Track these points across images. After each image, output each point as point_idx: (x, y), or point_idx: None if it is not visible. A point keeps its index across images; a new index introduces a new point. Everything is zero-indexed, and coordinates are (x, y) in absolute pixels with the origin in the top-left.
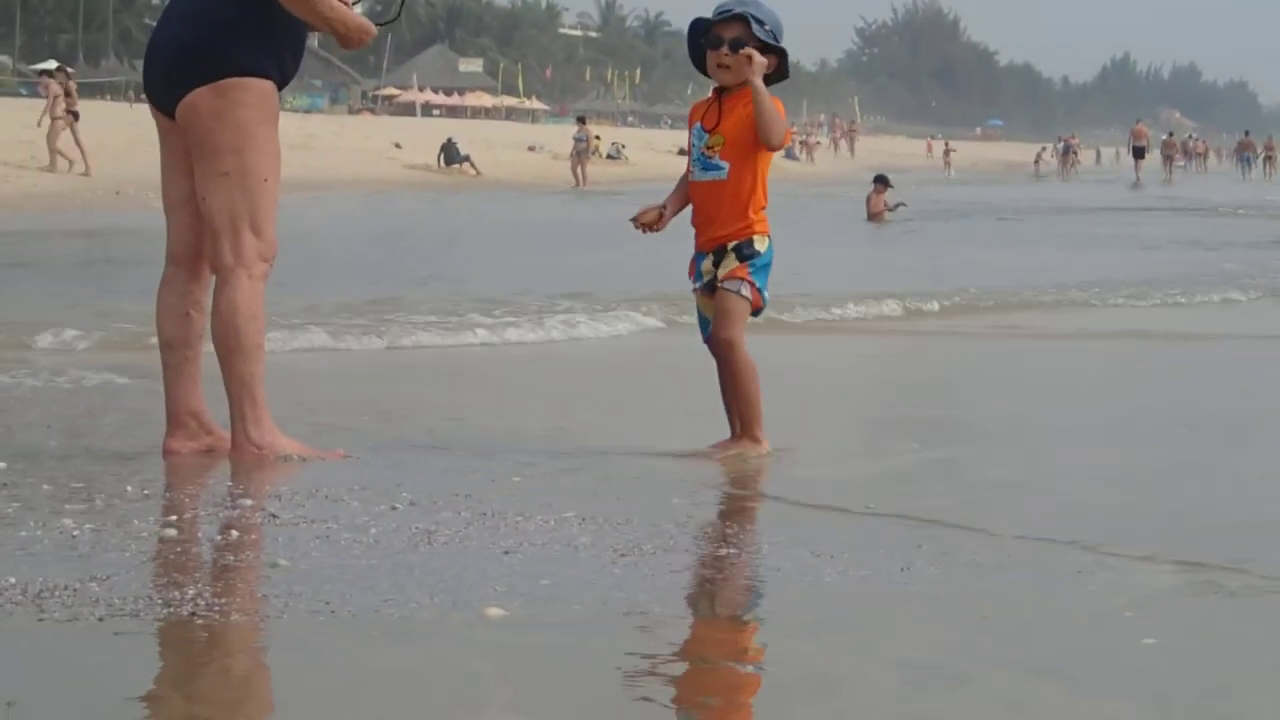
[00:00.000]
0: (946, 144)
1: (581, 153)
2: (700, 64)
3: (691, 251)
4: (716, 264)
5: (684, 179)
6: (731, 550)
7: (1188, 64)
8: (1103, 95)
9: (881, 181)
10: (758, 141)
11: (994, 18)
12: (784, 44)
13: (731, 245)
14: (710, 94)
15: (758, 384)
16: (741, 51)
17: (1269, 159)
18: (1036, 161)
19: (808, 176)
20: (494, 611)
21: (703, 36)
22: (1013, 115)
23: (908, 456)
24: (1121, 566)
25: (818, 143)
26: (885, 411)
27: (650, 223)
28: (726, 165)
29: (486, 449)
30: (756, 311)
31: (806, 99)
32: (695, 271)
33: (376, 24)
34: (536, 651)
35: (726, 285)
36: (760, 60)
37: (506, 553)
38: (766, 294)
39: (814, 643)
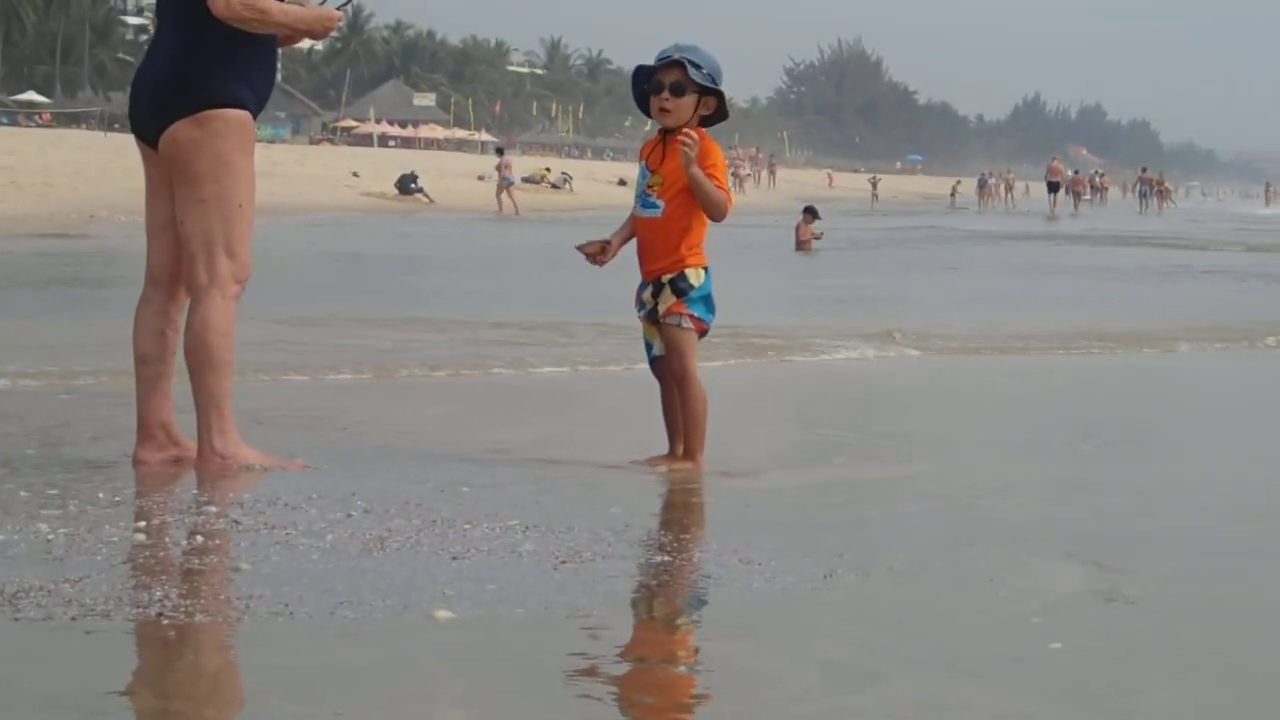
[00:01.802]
0: (874, 177)
1: (502, 182)
2: (645, 108)
3: (638, 280)
4: (655, 295)
5: (630, 215)
6: (667, 558)
7: (1094, 104)
8: (1015, 132)
9: (810, 212)
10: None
11: (913, 59)
12: (722, 85)
13: (667, 279)
14: (657, 133)
15: (706, 413)
16: (676, 140)
17: (1159, 193)
18: (953, 194)
19: (739, 206)
20: (443, 614)
21: (645, 82)
22: (931, 150)
23: (833, 470)
24: (1030, 574)
25: (748, 174)
26: (815, 430)
27: (594, 254)
28: (662, 204)
29: (436, 460)
30: (702, 333)
31: (738, 133)
32: (639, 304)
33: (336, 8)
34: (483, 652)
35: (668, 320)
36: (693, 143)
37: (455, 558)
38: (710, 318)
39: (743, 643)
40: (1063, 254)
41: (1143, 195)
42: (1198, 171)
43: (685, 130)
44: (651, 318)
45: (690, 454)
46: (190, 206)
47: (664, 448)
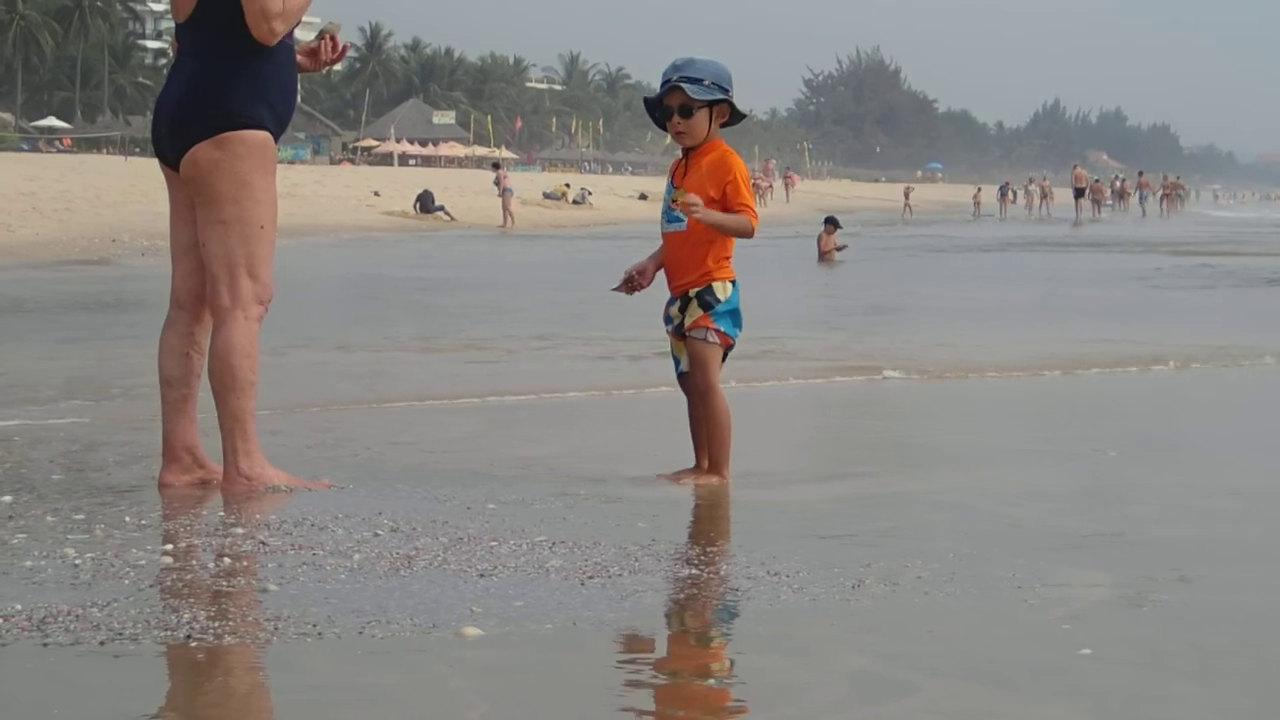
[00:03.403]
0: (907, 187)
1: (504, 193)
2: (664, 124)
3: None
4: (682, 310)
5: None
6: (694, 571)
7: (1114, 109)
8: (1035, 139)
9: (831, 223)
10: (715, 198)
11: (933, 68)
12: (730, 87)
13: (694, 293)
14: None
15: (730, 426)
16: (681, 205)
17: (1166, 196)
18: (976, 204)
19: (760, 218)
20: (470, 631)
21: (656, 111)
22: (951, 159)
23: (858, 482)
24: (1058, 581)
25: (769, 186)
26: (840, 443)
27: (630, 287)
28: (686, 217)
29: (462, 478)
30: (728, 349)
31: (758, 145)
32: (666, 319)
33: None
34: (510, 669)
35: (693, 334)
36: (695, 205)
37: (482, 576)
38: (737, 332)
39: (772, 656)
40: (1090, 262)
41: (1142, 199)
42: (1219, 174)
43: (685, 200)
44: (679, 332)
45: (716, 468)
46: (211, 228)
47: (690, 462)
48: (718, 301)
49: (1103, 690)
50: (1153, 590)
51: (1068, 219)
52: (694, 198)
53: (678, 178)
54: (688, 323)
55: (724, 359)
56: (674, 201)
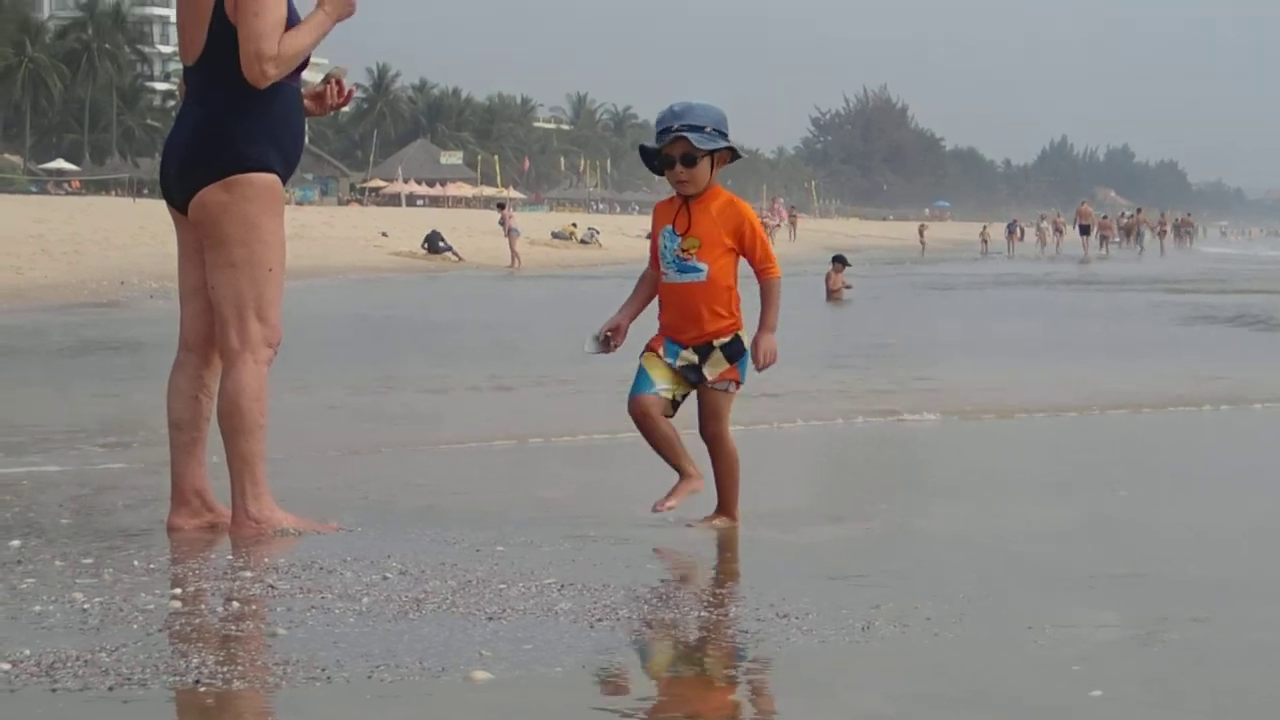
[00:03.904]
0: (922, 225)
1: (510, 233)
2: (660, 172)
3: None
4: (701, 358)
5: (643, 281)
6: (703, 613)
7: (1121, 146)
8: (1043, 176)
9: (839, 261)
10: (731, 245)
11: (939, 105)
12: (728, 130)
13: (719, 344)
14: (675, 195)
15: (738, 470)
16: (765, 367)
17: (1174, 232)
18: (984, 240)
19: None
20: (480, 675)
21: (655, 160)
22: (959, 196)
23: (867, 523)
24: (1069, 621)
25: (776, 225)
26: (848, 485)
27: (613, 346)
28: (705, 266)
29: (471, 520)
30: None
31: (766, 184)
32: (669, 351)
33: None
34: (520, 712)
35: (717, 386)
36: (774, 356)
37: (491, 619)
38: (745, 371)
39: (783, 698)
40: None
41: (1136, 235)
42: (1226, 211)
43: (764, 361)
44: (689, 374)
45: (728, 511)
46: (220, 271)
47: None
48: (743, 350)
49: None
50: (1164, 630)
51: (1077, 255)
52: (771, 354)
53: (680, 224)
54: (713, 375)
55: None
56: (757, 361)
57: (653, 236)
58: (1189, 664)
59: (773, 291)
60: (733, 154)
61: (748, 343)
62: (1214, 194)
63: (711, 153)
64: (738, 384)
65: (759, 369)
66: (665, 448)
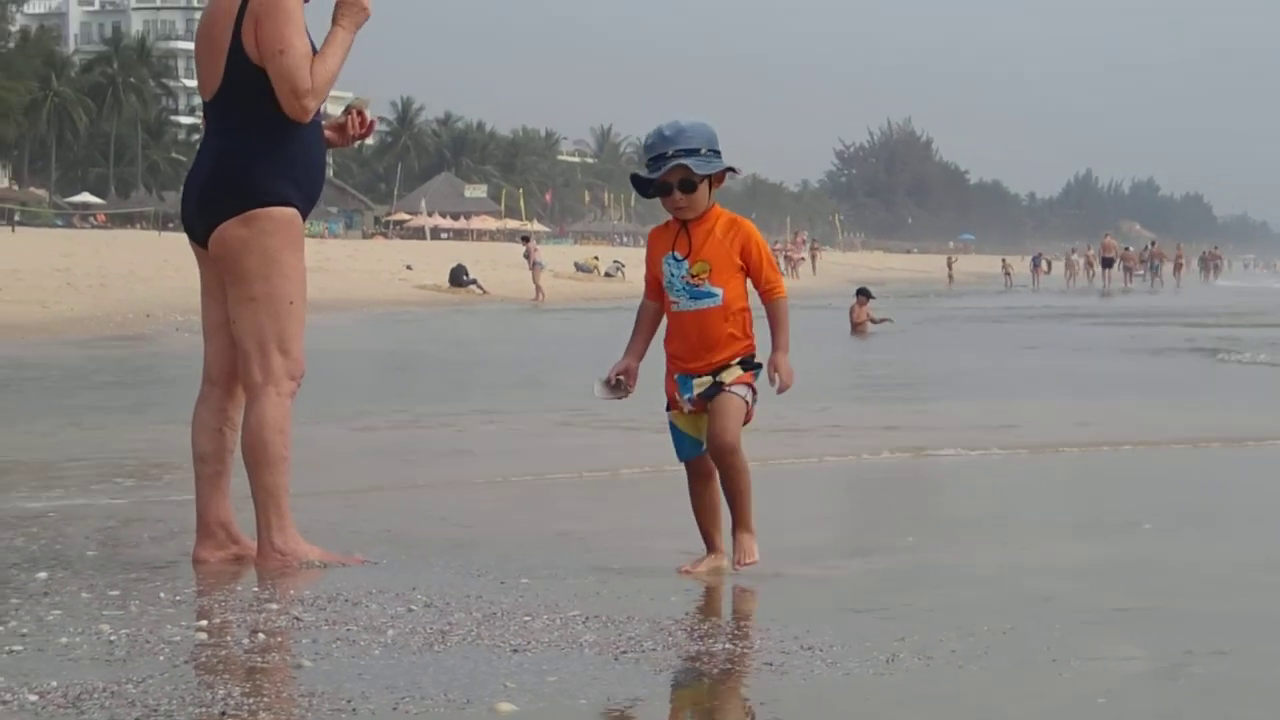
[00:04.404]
0: (950, 258)
1: (534, 266)
2: (650, 197)
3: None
4: (716, 373)
5: (643, 314)
6: (729, 646)
7: (1146, 179)
8: (1067, 209)
9: (863, 294)
10: (740, 265)
11: (964, 138)
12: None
13: (736, 361)
14: (671, 220)
15: (750, 487)
16: (784, 388)
17: (1178, 266)
18: (1006, 273)
19: (793, 290)
20: (505, 707)
21: (650, 189)
22: (983, 229)
23: (892, 557)
24: (1093, 655)
25: (801, 258)
26: (873, 519)
27: (622, 392)
28: (720, 291)
29: (496, 553)
30: (745, 422)
31: (790, 216)
32: (684, 390)
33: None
34: None
35: (734, 390)
36: (790, 376)
37: (515, 651)
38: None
39: None
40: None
41: (1150, 266)
42: (1251, 244)
43: (782, 381)
44: (708, 394)
45: (744, 525)
46: (241, 305)
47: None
48: (759, 366)
49: None
50: (1189, 664)
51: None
52: (789, 375)
53: (682, 248)
54: (728, 378)
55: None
56: (775, 381)
57: (651, 266)
58: (1213, 698)
59: (781, 312)
60: (728, 170)
61: (762, 361)
62: (1240, 227)
63: (709, 175)
64: (754, 393)
65: (779, 391)
66: (708, 516)
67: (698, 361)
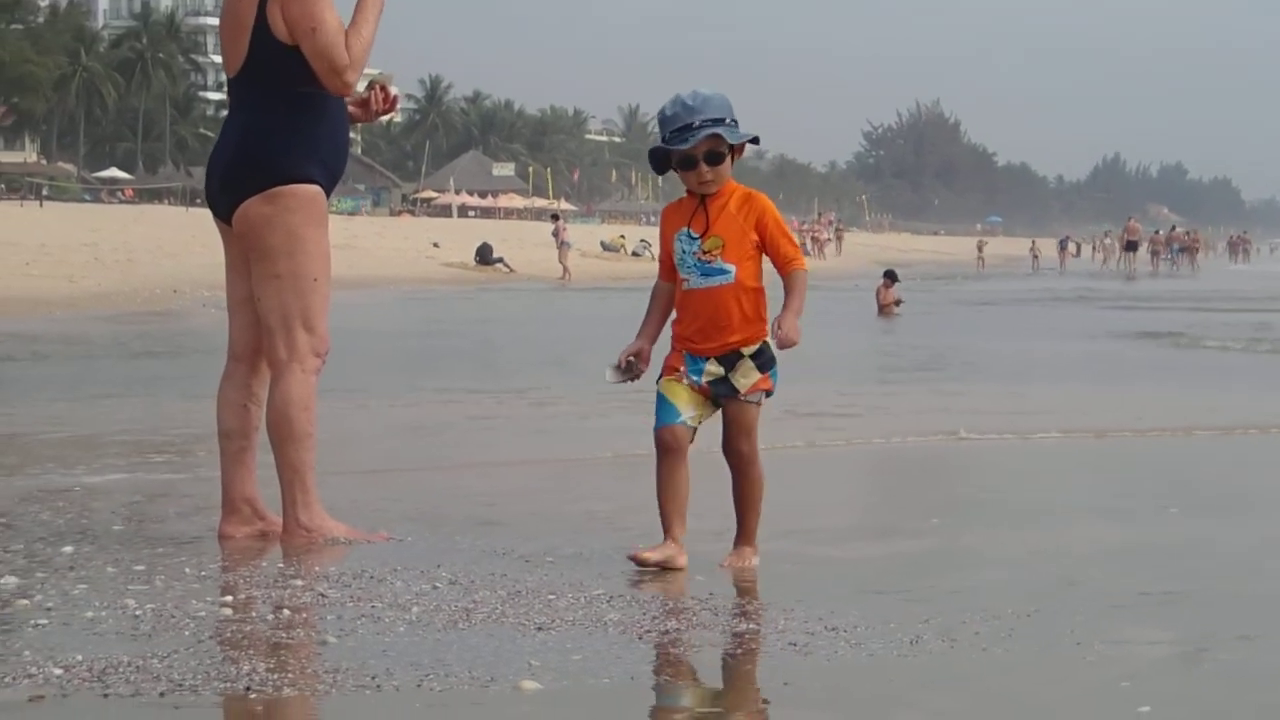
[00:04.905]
0: (980, 241)
1: (561, 246)
2: (665, 171)
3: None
4: (728, 369)
5: (656, 295)
6: (752, 625)
7: (1175, 163)
8: (1095, 192)
9: (890, 276)
10: (756, 242)
11: (992, 120)
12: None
13: (748, 352)
14: (686, 196)
15: (762, 494)
16: (785, 344)
17: (1189, 250)
18: (1034, 256)
19: (819, 271)
20: (529, 685)
21: (671, 162)
22: (1010, 212)
23: (916, 540)
24: (1117, 638)
25: (827, 239)
26: (898, 502)
27: (637, 373)
28: (733, 268)
29: (521, 532)
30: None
31: (817, 198)
32: (692, 368)
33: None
34: None
35: (749, 399)
36: (795, 333)
37: (540, 629)
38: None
39: (829, 712)
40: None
41: (1154, 254)
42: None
43: (786, 338)
44: (718, 388)
45: (748, 538)
46: (265, 282)
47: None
48: (773, 360)
49: None
50: (1213, 648)
51: (1137, 271)
52: (795, 333)
53: (696, 225)
54: (743, 386)
55: None
56: (779, 339)
57: (664, 243)
58: (1237, 682)
59: (799, 281)
60: (751, 141)
61: (774, 350)
62: (1268, 211)
63: (733, 146)
64: (769, 395)
65: (779, 346)
66: (672, 500)
67: (709, 343)
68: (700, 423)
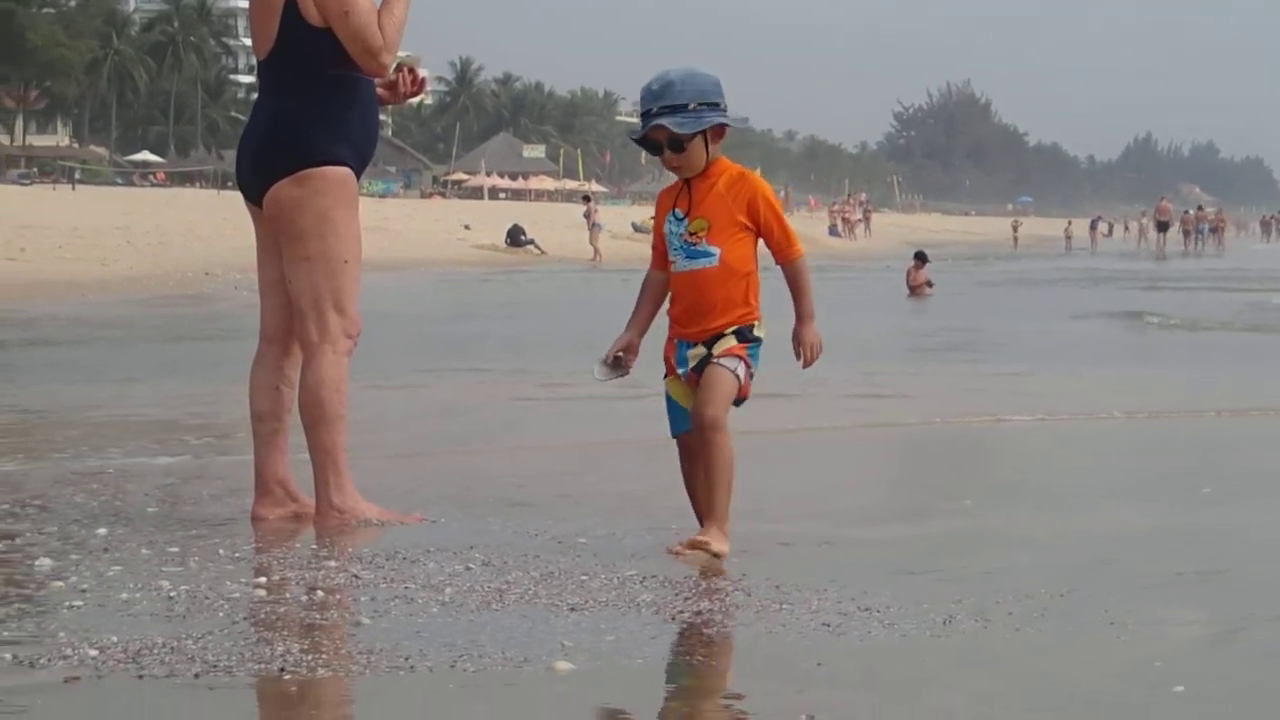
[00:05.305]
0: (1015, 221)
1: (593, 228)
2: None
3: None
4: (709, 348)
5: (648, 285)
6: (785, 606)
7: (1206, 142)
8: (1126, 172)
9: (920, 258)
10: (746, 224)
11: (1023, 101)
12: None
13: (730, 330)
14: (676, 180)
15: (732, 473)
16: (807, 356)
17: (1216, 229)
18: (1067, 236)
19: (848, 252)
20: (562, 666)
21: (647, 146)
22: (1041, 192)
23: (949, 520)
24: (1151, 618)
25: (858, 220)
26: (931, 484)
27: (627, 367)
28: (717, 251)
29: (553, 513)
30: (739, 401)
31: (848, 178)
32: (678, 358)
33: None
34: (602, 704)
35: (722, 362)
36: (819, 342)
37: (573, 610)
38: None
39: (863, 693)
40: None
41: (1186, 234)
42: None
43: (812, 355)
44: (699, 370)
45: (714, 518)
46: (296, 265)
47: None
48: (757, 339)
49: None
50: (1248, 628)
51: (1170, 251)
52: (817, 345)
53: (683, 205)
54: (718, 350)
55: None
56: (800, 355)
57: (656, 228)
58: (1272, 661)
59: (801, 275)
60: (723, 129)
61: (763, 335)
62: None
63: (699, 132)
64: (748, 369)
65: (805, 365)
66: (692, 489)
67: (693, 327)
68: None
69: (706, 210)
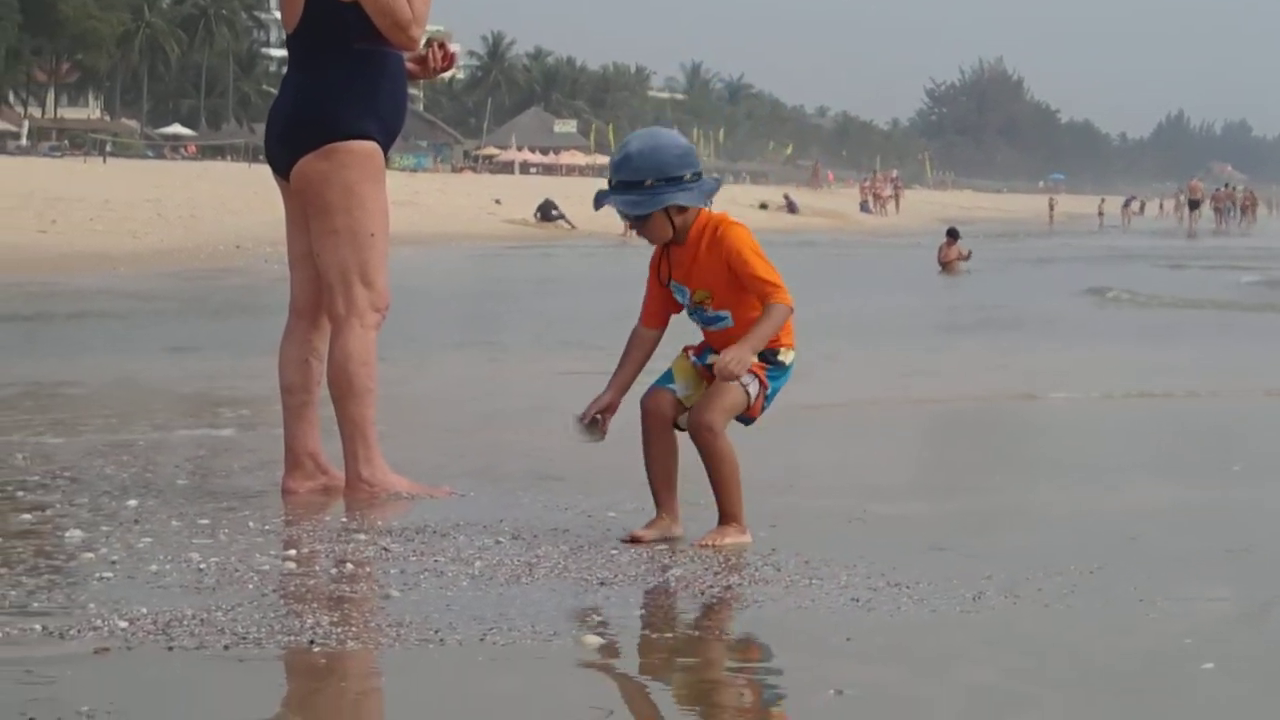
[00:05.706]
0: (1051, 199)
1: None
2: None
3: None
4: None
5: (634, 341)
6: (815, 580)
7: (1239, 120)
8: (1158, 150)
9: (952, 235)
10: (731, 281)
11: (1055, 78)
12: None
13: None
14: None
15: (738, 469)
16: (724, 376)
17: (1245, 207)
18: (1100, 215)
19: (880, 228)
20: (591, 639)
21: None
22: (1074, 169)
23: (979, 497)
24: (1180, 595)
25: (889, 197)
26: (962, 461)
27: (599, 430)
28: (728, 313)
29: (583, 487)
30: (748, 421)
31: (880, 155)
32: (703, 353)
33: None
34: (631, 677)
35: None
36: (737, 365)
37: (602, 584)
38: (769, 405)
39: (892, 667)
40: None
41: (1217, 211)
42: None
43: (724, 369)
44: (707, 366)
45: (727, 517)
46: (324, 238)
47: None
48: (780, 364)
49: (1225, 704)
50: (1278, 605)
51: (1204, 229)
52: (733, 362)
53: (679, 273)
54: None
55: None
56: (716, 368)
57: (650, 284)
58: None
59: (770, 314)
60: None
61: (787, 361)
62: None
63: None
64: (763, 389)
65: (715, 373)
66: (658, 470)
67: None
68: (692, 403)
69: (701, 281)
